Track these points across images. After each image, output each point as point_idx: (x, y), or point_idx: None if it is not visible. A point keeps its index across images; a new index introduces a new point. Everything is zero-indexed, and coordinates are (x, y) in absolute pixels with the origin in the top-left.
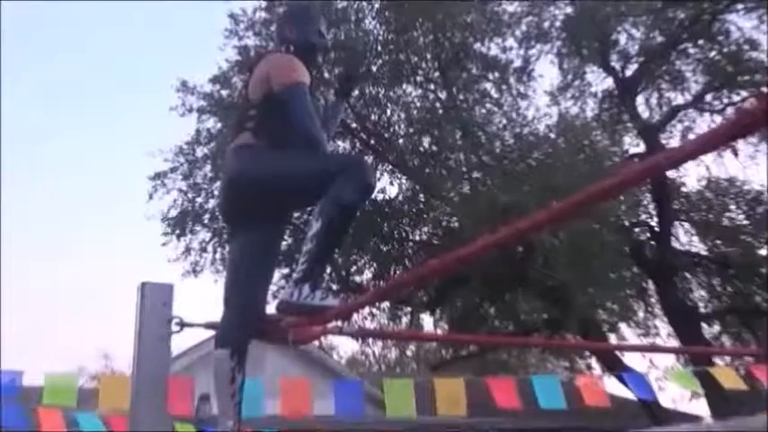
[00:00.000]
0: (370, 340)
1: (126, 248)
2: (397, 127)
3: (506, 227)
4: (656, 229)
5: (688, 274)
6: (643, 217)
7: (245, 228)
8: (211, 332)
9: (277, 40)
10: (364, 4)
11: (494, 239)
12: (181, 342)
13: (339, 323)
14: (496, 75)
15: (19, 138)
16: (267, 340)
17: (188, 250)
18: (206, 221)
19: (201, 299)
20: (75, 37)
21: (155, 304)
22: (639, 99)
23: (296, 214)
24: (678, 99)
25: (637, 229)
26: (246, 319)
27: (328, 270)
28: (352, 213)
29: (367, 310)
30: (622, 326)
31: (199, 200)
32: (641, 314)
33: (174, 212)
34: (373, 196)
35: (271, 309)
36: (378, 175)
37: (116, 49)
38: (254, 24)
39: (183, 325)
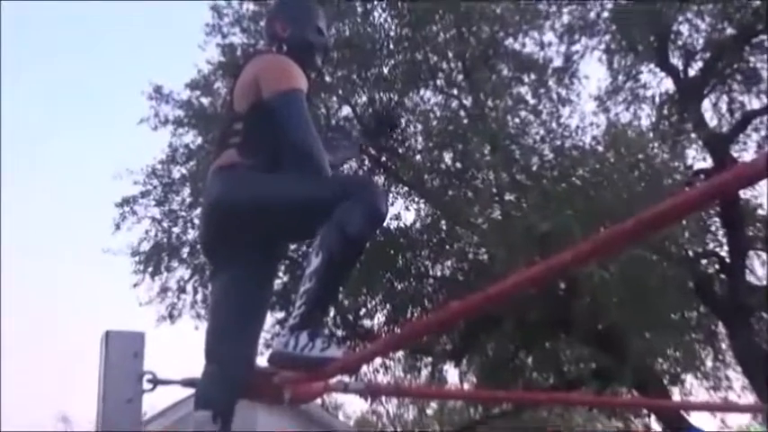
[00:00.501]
0: (383, 397)
1: (90, 290)
2: (413, 140)
3: (544, 260)
4: (727, 260)
5: (766, 315)
6: (711, 246)
7: (230, 264)
8: (191, 390)
9: (267, 38)
10: None
11: (528, 276)
12: (155, 401)
13: (344, 378)
14: (532, 76)
15: None
16: (258, 399)
17: (164, 291)
18: (184, 256)
19: (180, 349)
20: (68, 36)
21: (122, 357)
22: (705, 103)
23: (292, 246)
24: (753, 103)
25: (703, 261)
26: (232, 375)
27: (331, 313)
28: (358, 246)
29: (379, 360)
30: (687, 377)
31: (175, 230)
32: (710, 363)
33: (145, 246)
34: (385, 224)
35: (263, 360)
36: (391, 198)
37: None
38: (240, 19)
39: (156, 382)
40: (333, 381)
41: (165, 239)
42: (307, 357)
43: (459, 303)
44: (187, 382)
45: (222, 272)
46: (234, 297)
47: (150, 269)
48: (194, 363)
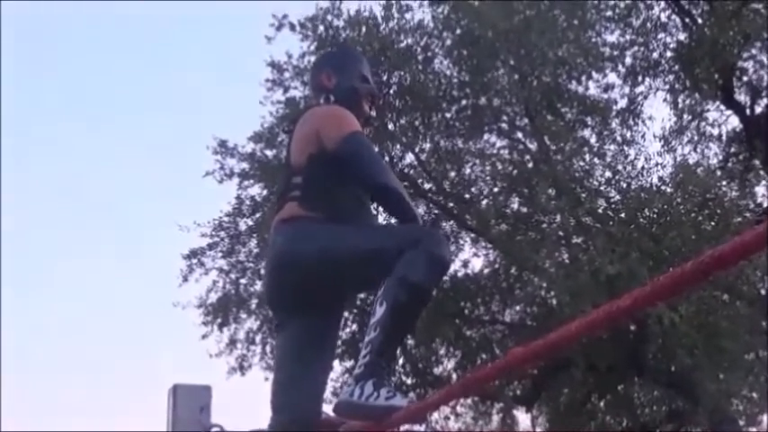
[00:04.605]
0: None
1: (156, 342)
2: (479, 186)
3: (605, 306)
4: None
5: None
6: None
7: (295, 316)
8: None
9: (313, 91)
10: (433, 40)
11: (590, 322)
12: None
13: (411, 426)
14: (596, 119)
15: None
16: None
17: (233, 342)
18: (253, 307)
19: (250, 400)
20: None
21: (190, 410)
22: None
23: (361, 295)
24: None
25: None
26: (297, 427)
27: (401, 361)
28: (423, 295)
29: (449, 407)
30: (765, 417)
31: (243, 281)
32: None
33: (213, 297)
34: (454, 271)
35: (329, 410)
36: (458, 245)
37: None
38: (301, 72)
39: None
40: (401, 429)
41: (232, 291)
42: (372, 406)
43: (521, 350)
44: None
45: (287, 324)
46: (299, 349)
47: (219, 321)
48: (265, 414)
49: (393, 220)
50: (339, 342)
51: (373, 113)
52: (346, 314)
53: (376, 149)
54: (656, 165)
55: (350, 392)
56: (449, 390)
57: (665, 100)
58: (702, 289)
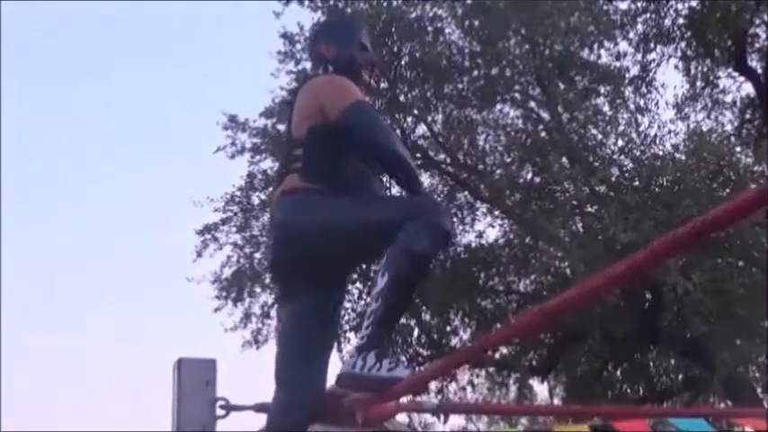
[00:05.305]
0: (473, 416)
1: (164, 317)
2: (492, 156)
3: (601, 272)
4: None
5: None
6: None
7: (298, 289)
8: (264, 416)
9: (313, 61)
10: (444, 10)
11: (589, 288)
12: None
13: (418, 397)
14: (608, 87)
15: None
16: (330, 422)
17: (247, 317)
18: (267, 281)
19: (264, 375)
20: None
21: (195, 384)
22: None
23: (374, 267)
24: None
25: None
26: (301, 401)
27: (416, 332)
28: (423, 266)
29: (466, 378)
30: None
31: (257, 255)
32: None
33: (227, 272)
34: (469, 241)
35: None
36: (473, 215)
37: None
38: None
39: (229, 408)
40: (406, 400)
41: (246, 265)
42: (374, 377)
43: (521, 319)
44: (259, 407)
45: (290, 296)
46: (303, 322)
47: (233, 295)
48: (269, 387)
49: (401, 191)
50: (353, 315)
51: (374, 82)
52: (360, 287)
53: (381, 117)
54: (670, 132)
55: (352, 364)
56: (451, 358)
57: (676, 67)
58: (717, 256)
